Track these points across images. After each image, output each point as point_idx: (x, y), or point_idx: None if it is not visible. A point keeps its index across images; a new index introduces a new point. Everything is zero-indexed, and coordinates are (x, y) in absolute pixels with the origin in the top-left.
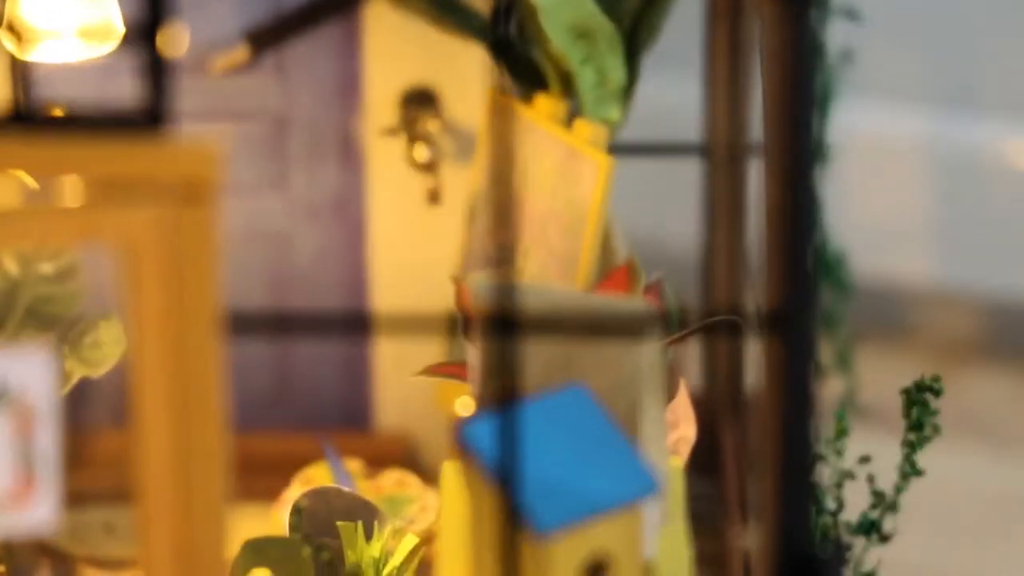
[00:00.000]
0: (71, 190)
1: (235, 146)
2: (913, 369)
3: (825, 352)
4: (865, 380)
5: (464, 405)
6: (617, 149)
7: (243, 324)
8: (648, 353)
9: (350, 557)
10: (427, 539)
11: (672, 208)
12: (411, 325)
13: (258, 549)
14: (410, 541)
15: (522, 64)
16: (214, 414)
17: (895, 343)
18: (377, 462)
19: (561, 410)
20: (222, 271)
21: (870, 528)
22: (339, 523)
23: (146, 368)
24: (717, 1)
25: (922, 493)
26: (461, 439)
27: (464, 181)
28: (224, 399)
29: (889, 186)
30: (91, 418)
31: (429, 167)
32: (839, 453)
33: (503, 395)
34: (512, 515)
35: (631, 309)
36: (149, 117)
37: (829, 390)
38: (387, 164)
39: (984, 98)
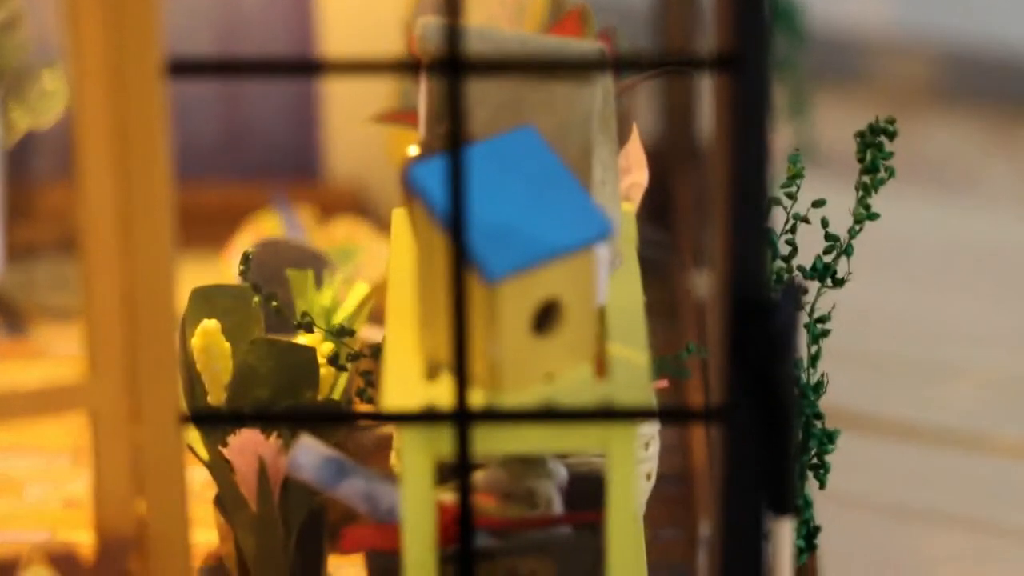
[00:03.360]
0: None
1: None
2: (869, 116)
3: (780, 99)
4: (820, 127)
5: (413, 150)
6: None
7: (189, 69)
8: (599, 96)
9: (300, 306)
10: (378, 288)
11: None
12: (361, 68)
13: (207, 298)
14: (360, 290)
15: None
16: (159, 161)
17: (851, 90)
18: (328, 211)
19: (510, 153)
20: (166, 16)
21: (824, 272)
22: (289, 272)
23: (88, 114)
24: None
25: (877, 239)
26: (410, 185)
27: None
28: (170, 147)
29: None
30: (39, 171)
31: None
32: (792, 197)
33: (451, 139)
34: (462, 260)
35: (581, 50)
36: None
37: (783, 136)
38: None
39: None
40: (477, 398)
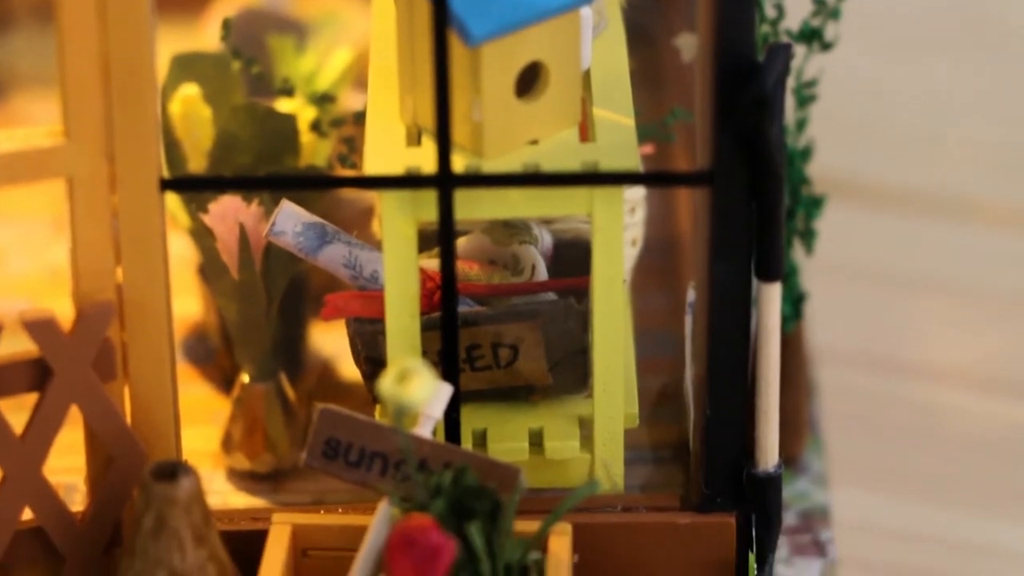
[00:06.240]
0: None
1: None
2: None
3: None
4: None
5: None
6: None
7: None
8: None
9: (280, 71)
10: (360, 53)
11: None
12: None
13: (187, 64)
14: (343, 56)
15: None
16: None
17: None
18: None
19: None
20: None
21: (811, 36)
22: (270, 38)
23: None
24: None
25: (866, 4)
26: None
27: None
28: None
29: None
30: None
31: None
32: None
33: None
34: (443, 23)
35: None
36: None
37: None
38: None
39: None
40: (460, 162)
